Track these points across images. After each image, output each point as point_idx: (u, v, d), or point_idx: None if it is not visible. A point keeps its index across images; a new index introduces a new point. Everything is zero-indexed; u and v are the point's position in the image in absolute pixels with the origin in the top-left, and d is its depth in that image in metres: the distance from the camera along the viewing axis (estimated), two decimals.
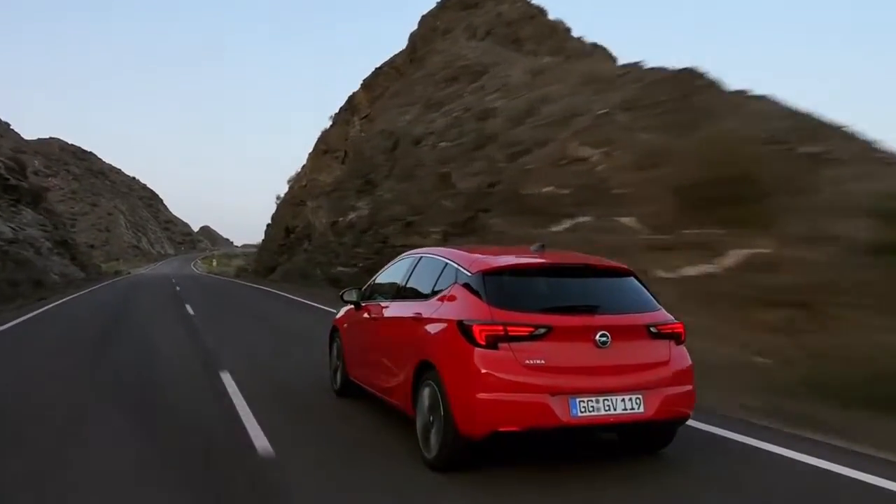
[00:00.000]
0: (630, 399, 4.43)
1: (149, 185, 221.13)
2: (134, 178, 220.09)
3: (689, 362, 4.78)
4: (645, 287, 5.05)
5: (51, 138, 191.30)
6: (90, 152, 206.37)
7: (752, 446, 5.20)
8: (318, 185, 41.39)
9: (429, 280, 5.38)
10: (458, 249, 5.50)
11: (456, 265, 5.08)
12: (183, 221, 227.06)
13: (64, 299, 22.03)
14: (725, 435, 5.48)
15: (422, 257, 5.84)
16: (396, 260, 6.45)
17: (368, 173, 29.19)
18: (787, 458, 4.94)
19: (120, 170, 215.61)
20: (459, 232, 18.69)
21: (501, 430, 4.32)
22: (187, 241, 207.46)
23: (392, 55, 44.26)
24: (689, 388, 4.71)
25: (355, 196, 30.27)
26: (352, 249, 26.70)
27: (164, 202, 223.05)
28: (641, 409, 4.44)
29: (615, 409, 4.38)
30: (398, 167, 25.81)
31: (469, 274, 4.85)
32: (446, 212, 19.77)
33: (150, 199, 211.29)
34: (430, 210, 20.94)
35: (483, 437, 4.37)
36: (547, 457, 4.88)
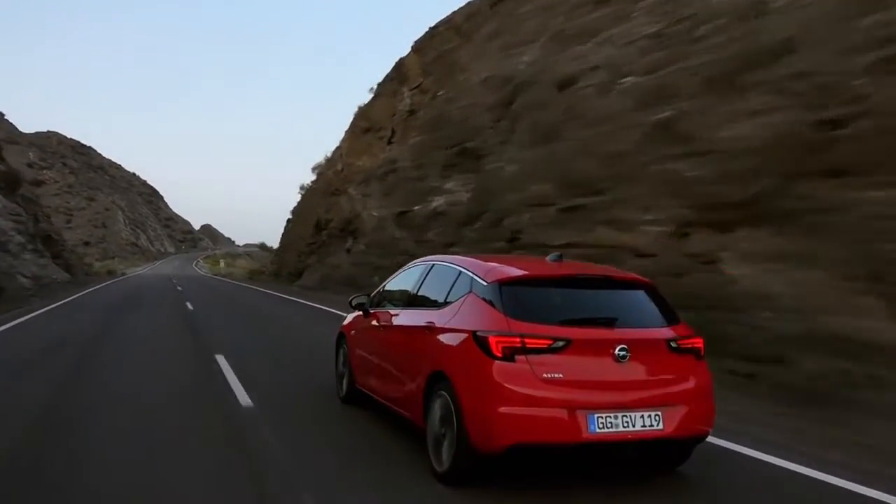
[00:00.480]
0: (649, 415, 4.21)
1: (149, 182, 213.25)
2: (134, 174, 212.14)
3: (709, 379, 4.57)
4: (664, 300, 4.80)
5: (49, 132, 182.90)
6: (89, 147, 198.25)
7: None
8: (360, 170, 32.52)
9: (441, 288, 5.17)
10: (472, 258, 5.31)
11: (471, 274, 4.88)
12: (184, 219, 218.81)
13: None
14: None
15: (434, 265, 5.62)
16: (406, 267, 6.23)
17: (462, 142, 20.34)
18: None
19: (120, 165, 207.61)
20: (733, 218, 9.77)
21: (517, 445, 4.11)
22: (188, 239, 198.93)
23: (451, 12, 35.52)
24: (709, 404, 4.50)
25: (438, 176, 21.41)
26: (445, 249, 17.92)
27: (165, 199, 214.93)
28: (660, 426, 4.23)
29: (634, 426, 4.18)
30: (523, 126, 16.97)
31: (485, 283, 4.65)
32: (678, 184, 10.91)
33: (151, 196, 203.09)
34: (627, 185, 12.09)
35: (497, 452, 4.17)
36: (559, 472, 4.68)
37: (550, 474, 4.62)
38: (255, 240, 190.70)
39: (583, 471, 4.71)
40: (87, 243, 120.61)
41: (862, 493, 4.39)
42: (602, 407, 4.14)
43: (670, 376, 4.39)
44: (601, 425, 4.11)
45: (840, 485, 4.51)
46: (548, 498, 4.23)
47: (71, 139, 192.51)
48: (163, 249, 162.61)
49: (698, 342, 4.57)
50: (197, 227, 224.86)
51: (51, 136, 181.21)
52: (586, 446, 4.16)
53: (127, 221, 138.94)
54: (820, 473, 4.70)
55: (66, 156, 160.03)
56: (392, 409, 5.58)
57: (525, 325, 4.27)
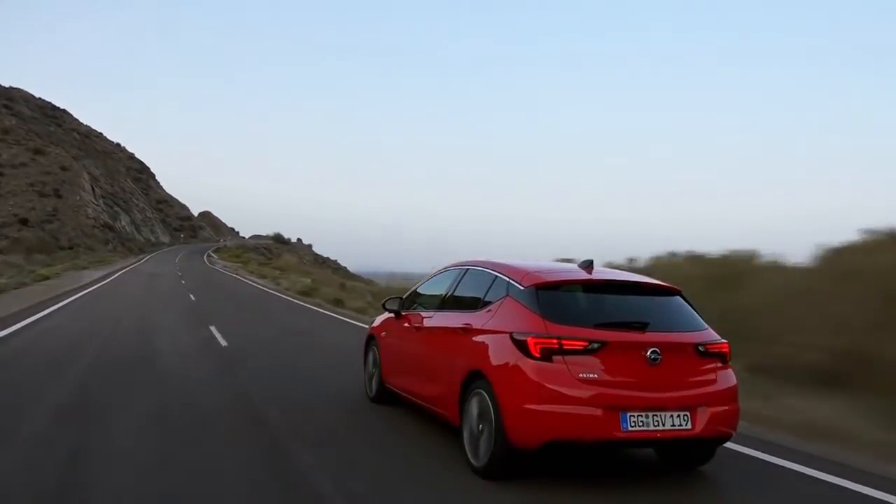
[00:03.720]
0: (678, 415, 4.25)
1: (138, 157, 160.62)
2: (118, 144, 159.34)
3: (735, 382, 4.55)
4: (692, 306, 4.84)
5: (11, 87, 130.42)
6: (63, 110, 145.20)
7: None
8: None
9: (477, 292, 5.18)
10: (507, 263, 5.19)
11: (507, 279, 4.87)
12: (180, 203, 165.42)
13: None
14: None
15: (468, 269, 5.58)
16: (439, 271, 6.18)
17: None
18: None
19: (101, 133, 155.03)
20: None
21: (553, 441, 4.14)
22: (186, 226, 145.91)
23: None
24: (734, 407, 4.48)
25: None
26: None
27: (157, 179, 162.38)
28: (689, 426, 4.26)
29: (664, 425, 4.21)
30: None
31: (521, 288, 4.66)
32: None
33: (139, 172, 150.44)
34: None
35: (535, 448, 4.19)
36: (588, 468, 4.71)
37: (581, 469, 4.64)
38: (265, 231, 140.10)
39: (612, 469, 4.74)
40: (23, 221, 68.15)
41: None
42: (635, 406, 4.15)
43: (699, 379, 4.39)
44: (633, 424, 4.13)
45: None
46: (580, 490, 4.22)
47: (39, 98, 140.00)
48: (153, 238, 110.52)
49: (724, 347, 4.58)
50: (195, 213, 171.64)
51: (12, 91, 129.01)
52: (619, 443, 4.18)
53: (99, 193, 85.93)
54: None
55: (13, 100, 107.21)
56: (424, 406, 5.59)
57: (561, 328, 4.29)
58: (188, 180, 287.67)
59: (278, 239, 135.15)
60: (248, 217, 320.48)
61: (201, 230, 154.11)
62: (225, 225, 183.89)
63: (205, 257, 69.77)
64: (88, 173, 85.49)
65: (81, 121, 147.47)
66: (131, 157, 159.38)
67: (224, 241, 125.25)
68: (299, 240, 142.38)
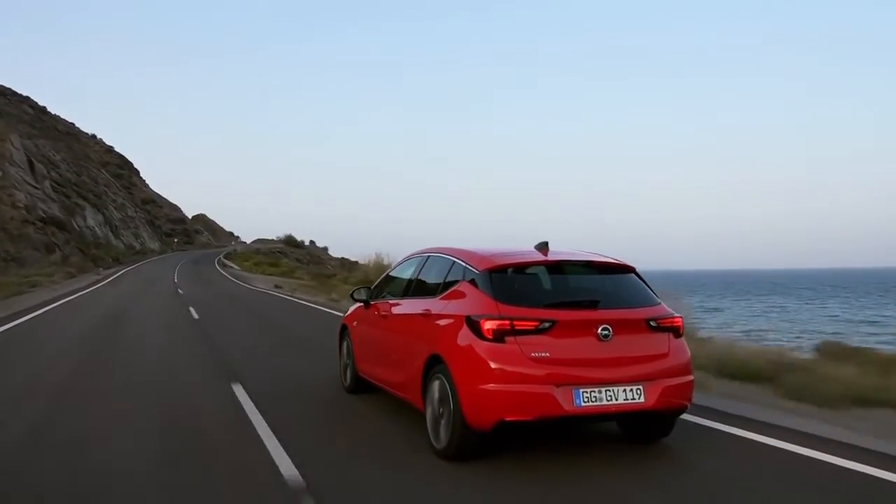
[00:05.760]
0: (631, 389, 4.28)
1: (118, 151, 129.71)
2: (94, 135, 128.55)
3: (688, 355, 4.61)
4: (645, 283, 4.86)
5: None
6: (26, 97, 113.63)
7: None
8: None
9: (437, 278, 5.23)
10: (465, 248, 5.20)
11: (464, 263, 4.92)
12: (171, 203, 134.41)
13: None
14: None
15: (429, 256, 5.59)
16: (404, 259, 6.21)
17: None
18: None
19: (73, 124, 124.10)
20: None
21: (508, 419, 4.18)
22: (179, 231, 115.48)
23: None
24: (688, 379, 4.54)
25: None
26: None
27: (143, 177, 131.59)
28: (642, 399, 4.28)
29: (617, 399, 4.24)
30: None
31: (476, 271, 4.72)
32: None
33: (119, 167, 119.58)
34: None
35: (490, 428, 4.24)
36: (552, 446, 4.71)
37: (543, 448, 4.64)
38: (268, 235, 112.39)
39: (575, 445, 4.75)
40: None
41: None
42: (587, 382, 4.18)
43: (650, 353, 4.41)
44: (586, 399, 4.16)
45: None
46: (543, 468, 4.25)
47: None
48: (138, 245, 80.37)
49: (677, 321, 4.60)
50: (189, 216, 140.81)
51: None
52: (573, 419, 4.20)
53: (44, 174, 54.25)
54: None
55: None
56: (393, 393, 5.61)
57: (514, 309, 4.31)
58: (179, 183, 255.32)
59: (290, 242, 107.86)
60: (244, 219, 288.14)
61: (198, 234, 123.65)
62: (222, 229, 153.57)
63: (222, 269, 39.01)
64: (43, 153, 53.90)
65: (53, 113, 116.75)
66: (109, 150, 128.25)
67: (234, 245, 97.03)
68: (312, 242, 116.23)
